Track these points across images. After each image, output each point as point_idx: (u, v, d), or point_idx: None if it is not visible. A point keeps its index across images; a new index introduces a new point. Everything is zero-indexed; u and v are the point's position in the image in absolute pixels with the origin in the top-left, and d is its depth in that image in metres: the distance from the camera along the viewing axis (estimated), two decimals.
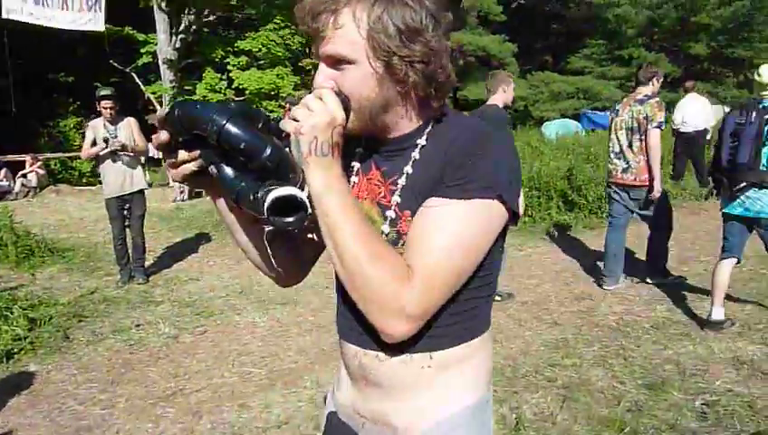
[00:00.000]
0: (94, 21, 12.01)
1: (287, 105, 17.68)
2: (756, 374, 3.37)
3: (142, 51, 13.57)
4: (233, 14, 14.28)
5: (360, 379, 1.11)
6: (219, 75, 13.23)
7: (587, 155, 10.20)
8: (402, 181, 1.03)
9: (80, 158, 12.24)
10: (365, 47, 0.94)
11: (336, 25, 0.94)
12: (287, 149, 0.95)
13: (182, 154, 0.96)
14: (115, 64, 13.34)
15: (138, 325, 4.43)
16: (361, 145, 1.11)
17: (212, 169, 0.93)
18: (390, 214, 1.03)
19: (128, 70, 13.78)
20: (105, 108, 5.20)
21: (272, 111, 13.06)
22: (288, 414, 3.13)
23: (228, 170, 0.93)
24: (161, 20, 13.17)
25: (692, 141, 9.08)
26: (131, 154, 5.32)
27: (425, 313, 0.95)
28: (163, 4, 12.92)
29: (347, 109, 0.96)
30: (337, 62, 0.97)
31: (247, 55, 13.62)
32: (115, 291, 5.30)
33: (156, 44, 13.39)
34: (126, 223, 5.52)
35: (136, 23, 13.44)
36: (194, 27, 13.59)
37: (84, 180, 12.97)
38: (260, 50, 13.31)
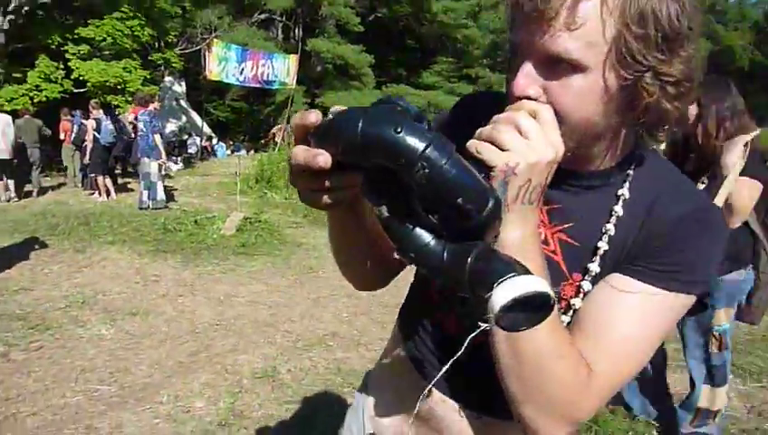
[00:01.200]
0: None
1: (279, 131, 16.27)
2: None
3: None
4: None
5: (428, 422, 0.96)
6: (56, 63, 12.01)
7: None
8: (605, 245, 0.80)
9: None
10: (607, 52, 0.68)
11: (573, 14, 0.66)
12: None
13: (337, 180, 0.64)
14: None
15: None
16: None
17: (381, 210, 0.63)
18: (586, 285, 0.81)
19: None
20: None
21: (117, 106, 12.11)
22: (142, 433, 2.91)
23: (404, 215, 0.62)
24: None
25: None
26: None
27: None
28: None
29: None
30: (554, 65, 0.70)
31: (89, 44, 12.52)
32: None
33: None
34: None
35: None
36: (26, 8, 12.25)
37: None
38: (104, 39, 12.30)
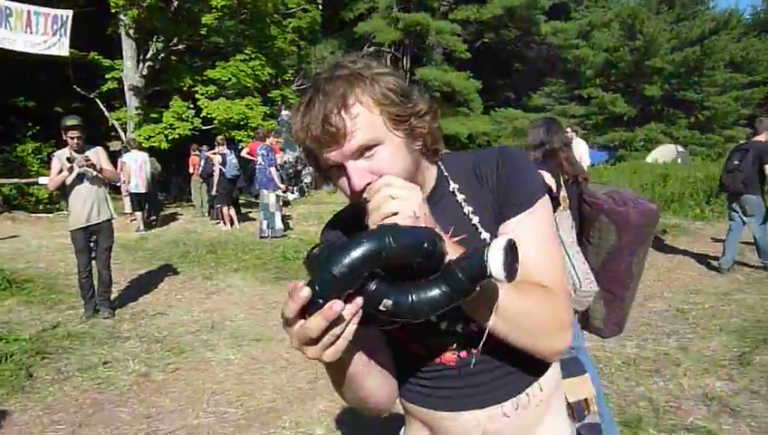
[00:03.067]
0: (59, 45, 11.84)
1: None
2: (725, 410, 3.45)
3: (107, 76, 13.40)
4: (202, 42, 14.27)
5: None
6: (187, 104, 13.12)
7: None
8: (476, 218, 1.07)
9: (37, 184, 11.93)
10: (384, 123, 0.97)
11: (351, 117, 0.95)
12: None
13: (345, 316, 0.80)
14: (78, 90, 13.11)
15: (105, 362, 4.27)
16: None
17: (385, 303, 0.81)
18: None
19: (91, 95, 13.55)
20: (72, 138, 5.07)
21: (240, 141, 12.98)
22: None
23: (397, 295, 0.82)
24: (128, 46, 13.09)
25: None
26: (99, 174, 5.14)
27: (572, 313, 1.09)
28: (131, 32, 12.83)
29: None
30: (365, 151, 0.97)
31: (216, 84, 13.56)
32: (79, 326, 5.10)
33: (122, 70, 13.25)
34: (92, 255, 5.36)
35: (101, 48, 13.28)
36: (162, 55, 13.52)
37: (41, 207, 12.55)
38: (229, 79, 13.27)
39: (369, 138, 0.96)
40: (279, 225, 9.43)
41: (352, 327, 0.81)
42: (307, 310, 0.78)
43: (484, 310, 0.94)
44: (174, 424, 3.41)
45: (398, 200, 0.90)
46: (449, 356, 1.08)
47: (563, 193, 2.96)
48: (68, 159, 5.04)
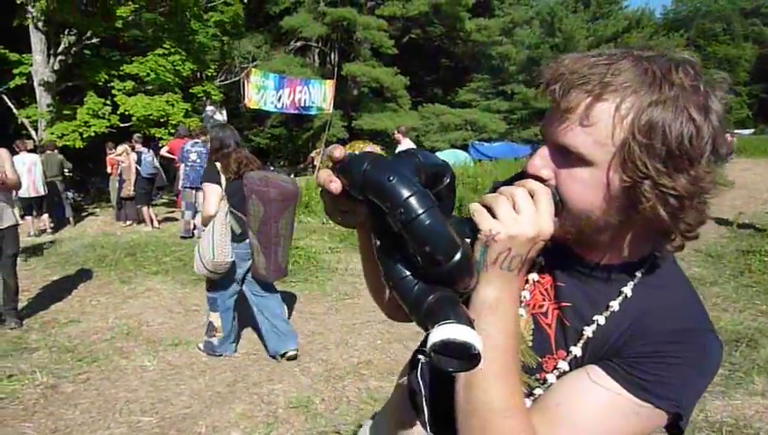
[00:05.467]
0: None
1: (318, 155, 16.85)
2: None
3: (15, 71, 12.62)
4: (119, 36, 13.68)
5: None
6: (103, 100, 12.56)
7: (474, 185, 10.70)
8: (589, 332, 0.84)
9: None
10: (613, 153, 0.73)
11: (588, 113, 0.73)
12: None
13: (347, 204, 0.77)
14: None
15: (10, 376, 4.05)
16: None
17: (376, 242, 0.76)
18: (564, 365, 0.86)
19: None
20: None
21: (160, 139, 12.56)
22: None
23: (392, 249, 0.74)
24: (38, 40, 12.40)
25: None
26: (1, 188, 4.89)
27: None
28: (40, 24, 12.16)
29: (556, 213, 0.79)
30: (567, 153, 0.77)
31: (134, 80, 13.05)
32: None
33: (31, 65, 12.54)
34: None
35: (8, 41, 12.51)
36: (74, 49, 12.88)
37: None
38: (148, 75, 12.80)
39: (579, 148, 0.75)
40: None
41: (351, 217, 0.80)
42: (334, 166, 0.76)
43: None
44: None
45: (509, 211, 0.76)
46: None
47: (224, 185, 3.93)
48: None
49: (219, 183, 3.94)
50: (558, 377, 0.85)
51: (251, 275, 4.18)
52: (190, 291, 6.19)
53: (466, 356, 0.66)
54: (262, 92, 15.00)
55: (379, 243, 0.76)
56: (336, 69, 21.98)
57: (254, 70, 15.00)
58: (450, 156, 16.55)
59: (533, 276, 0.92)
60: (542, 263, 0.91)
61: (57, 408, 3.63)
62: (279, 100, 15.49)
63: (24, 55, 12.66)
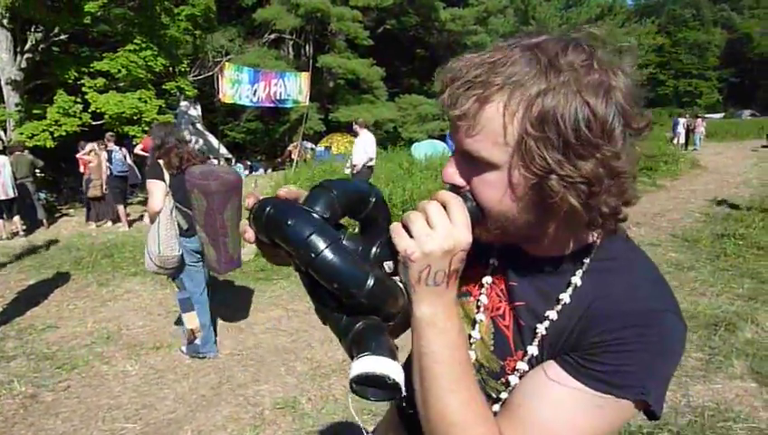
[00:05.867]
0: None
1: (295, 149, 16.47)
2: None
3: None
4: (88, 31, 13.36)
5: None
6: (73, 98, 12.27)
7: None
8: (543, 330, 0.82)
9: None
10: (512, 153, 0.72)
11: (478, 118, 0.72)
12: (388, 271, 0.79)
13: (272, 249, 0.79)
14: None
15: None
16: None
17: (302, 279, 0.78)
18: (523, 366, 0.85)
19: None
20: None
21: (134, 136, 12.33)
22: None
23: (317, 286, 0.75)
24: (4, 38, 12.08)
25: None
26: None
27: None
28: (5, 21, 11.83)
29: (475, 218, 0.77)
30: (473, 159, 0.76)
31: (105, 77, 12.77)
32: None
33: None
34: None
35: None
36: (42, 46, 12.57)
37: None
38: (119, 71, 12.53)
39: (482, 152, 0.74)
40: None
41: (278, 259, 0.82)
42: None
43: (416, 383, 0.81)
44: None
45: (423, 227, 0.74)
46: None
47: (168, 179, 3.99)
48: None
49: (163, 179, 4.02)
50: (520, 377, 0.84)
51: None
52: (170, 292, 6.10)
53: (386, 387, 0.68)
54: (236, 86, 14.77)
55: (306, 280, 0.76)
56: (311, 61, 21.74)
57: (227, 64, 14.76)
58: (428, 146, 16.54)
59: (488, 279, 0.92)
60: (495, 265, 0.91)
61: (38, 418, 3.56)
62: (254, 93, 15.28)
63: None
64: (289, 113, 22.25)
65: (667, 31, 46.16)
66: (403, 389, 0.68)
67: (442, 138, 21.45)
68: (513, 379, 0.85)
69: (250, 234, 0.77)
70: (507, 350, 0.87)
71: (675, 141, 21.37)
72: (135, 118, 12.32)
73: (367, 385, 0.69)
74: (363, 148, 9.58)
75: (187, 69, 15.68)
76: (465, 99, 0.72)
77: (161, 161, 4.06)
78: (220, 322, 5.16)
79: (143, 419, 3.51)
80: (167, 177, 4.04)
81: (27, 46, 12.43)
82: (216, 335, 4.53)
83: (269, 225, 0.72)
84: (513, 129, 0.70)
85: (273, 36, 24.74)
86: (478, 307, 0.91)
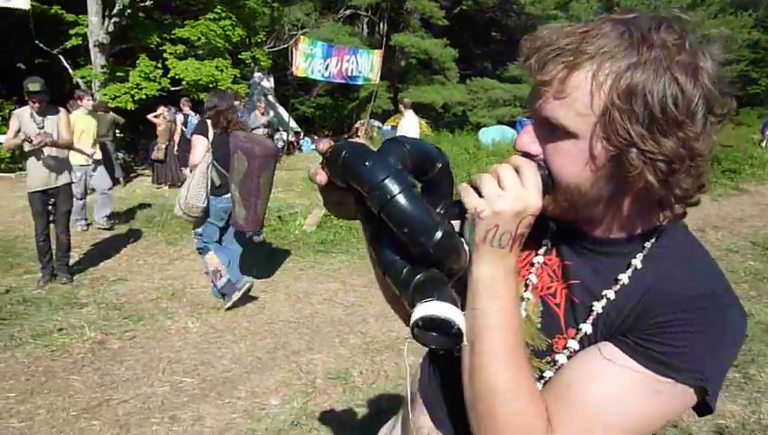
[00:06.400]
0: None
1: (362, 126, 17.04)
2: None
3: (71, 32, 12.88)
4: None
5: None
6: (154, 63, 12.72)
7: None
8: (599, 308, 0.80)
9: None
10: (595, 123, 0.71)
11: (565, 84, 0.71)
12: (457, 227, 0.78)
13: (339, 195, 0.78)
14: (41, 45, 12.60)
15: (60, 329, 4.20)
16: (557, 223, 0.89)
17: (365, 229, 0.78)
18: (573, 344, 0.82)
19: (54, 52, 13.06)
20: (34, 102, 4.90)
21: None
22: (221, 427, 3.06)
23: (382, 234, 0.74)
24: (94, 2, 12.58)
25: None
26: (55, 146, 5.00)
27: None
28: None
29: (546, 188, 0.76)
30: (552, 127, 0.75)
31: (185, 44, 13.15)
32: (36, 291, 5.00)
33: (86, 26, 12.76)
34: (50, 218, 5.22)
35: (65, 2, 12.74)
36: (128, 11, 13.05)
37: (2, 166, 12.16)
38: (199, 39, 12.88)
39: (560, 120, 0.73)
40: None
41: (346, 207, 0.81)
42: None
43: (464, 348, 0.79)
44: (128, 393, 3.38)
45: (494, 188, 0.74)
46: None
47: (212, 138, 4.41)
48: (26, 141, 4.87)
49: (207, 136, 4.42)
50: (568, 357, 0.82)
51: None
52: None
53: (449, 333, 0.68)
54: (309, 60, 14.93)
55: (369, 230, 0.77)
56: (384, 39, 21.66)
57: (302, 37, 14.92)
58: (497, 132, 16.22)
59: (539, 259, 0.90)
60: (548, 245, 0.90)
61: (104, 363, 3.74)
62: (326, 68, 15.41)
63: (79, 16, 12.88)
64: (359, 90, 22.31)
65: (764, 26, 43.25)
66: (465, 338, 0.68)
67: (512, 124, 20.99)
68: (562, 358, 0.82)
69: (322, 176, 0.76)
70: (556, 328, 0.84)
71: (763, 144, 20.09)
72: (211, 85, 12.64)
73: (427, 330, 0.68)
74: (407, 129, 9.54)
75: (263, 40, 15.94)
76: (554, 64, 0.71)
77: (209, 121, 4.44)
78: (278, 289, 5.26)
79: (200, 374, 3.63)
80: (210, 135, 4.42)
81: (115, 10, 12.91)
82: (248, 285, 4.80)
83: (345, 165, 0.71)
84: (600, 98, 0.70)
85: (348, 12, 24.77)
86: (526, 286, 0.89)
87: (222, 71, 12.94)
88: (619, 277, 0.79)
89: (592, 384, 0.75)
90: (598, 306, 0.79)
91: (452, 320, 0.67)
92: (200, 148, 4.42)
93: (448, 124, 22.01)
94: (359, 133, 17.68)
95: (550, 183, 0.77)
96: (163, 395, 3.37)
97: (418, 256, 0.71)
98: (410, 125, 9.59)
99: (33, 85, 4.85)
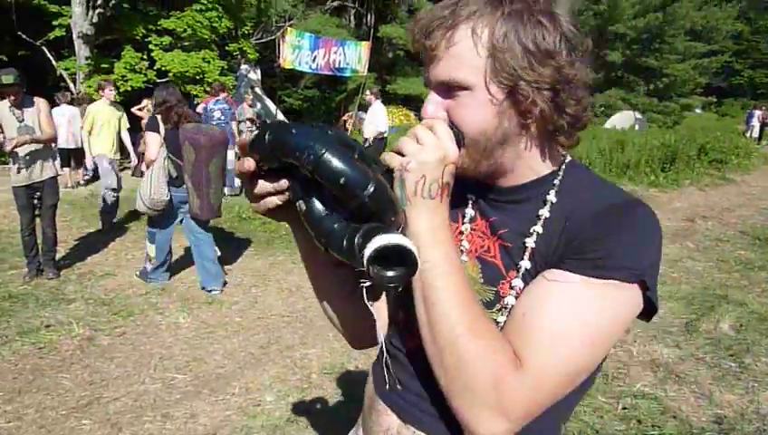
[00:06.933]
0: None
1: (350, 118, 16.97)
2: (671, 376, 3.56)
3: (54, 23, 12.64)
4: None
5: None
6: (140, 54, 12.53)
7: None
8: (531, 243, 0.86)
9: None
10: (484, 69, 0.80)
11: (450, 43, 0.81)
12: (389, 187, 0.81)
13: (266, 185, 0.79)
14: (23, 36, 12.36)
15: (48, 326, 4.10)
16: (474, 190, 0.96)
17: (300, 204, 0.78)
18: (518, 283, 0.87)
19: (38, 43, 12.82)
20: (9, 96, 4.76)
21: (196, 96, 12.52)
22: (215, 424, 3.00)
23: (319, 207, 0.76)
24: None
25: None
26: (35, 142, 4.86)
27: (527, 415, 0.78)
28: None
29: (459, 144, 0.84)
30: (450, 89, 0.84)
31: (171, 35, 12.97)
32: (21, 286, 4.89)
33: (70, 17, 12.53)
34: (36, 212, 5.10)
35: None
36: (113, 1, 12.82)
37: None
38: (185, 31, 12.70)
39: (455, 76, 0.81)
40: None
41: (274, 199, 0.80)
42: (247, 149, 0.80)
43: (419, 300, 0.83)
44: (119, 390, 3.31)
45: (414, 145, 0.82)
46: (411, 339, 0.92)
47: (164, 133, 4.58)
48: (3, 144, 4.77)
49: (159, 132, 4.62)
50: (516, 297, 0.86)
51: (190, 217, 4.75)
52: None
53: (405, 263, 0.69)
54: (297, 52, 14.75)
55: (304, 207, 0.77)
56: (372, 31, 21.54)
57: (289, 29, 14.75)
58: None
59: (467, 227, 0.96)
60: (472, 214, 0.97)
61: (93, 360, 3.66)
62: (314, 60, 15.24)
63: (63, 7, 12.64)
64: (346, 82, 22.19)
65: (748, 17, 43.56)
66: (419, 262, 0.70)
67: None
68: (510, 299, 0.87)
69: (250, 162, 0.77)
70: (498, 275, 0.90)
71: (748, 134, 20.29)
72: (198, 77, 12.49)
73: (383, 266, 0.70)
74: (372, 120, 9.47)
75: (250, 32, 15.76)
76: (438, 30, 0.81)
77: (159, 117, 4.62)
78: (270, 283, 5.19)
79: (193, 371, 3.56)
80: (162, 130, 4.60)
81: (99, 1, 12.69)
82: (169, 267, 5.13)
83: (273, 141, 0.73)
84: (483, 47, 0.79)
85: (335, 4, 24.60)
86: (462, 252, 0.94)
87: (209, 62, 12.78)
88: (540, 213, 0.87)
89: (545, 308, 0.79)
90: (530, 241, 0.86)
91: (405, 244, 0.69)
92: (154, 144, 4.62)
93: None
94: (347, 126, 17.56)
95: (461, 137, 0.84)
96: (155, 392, 3.30)
97: (356, 211, 0.73)
98: (377, 115, 9.54)
99: (7, 78, 4.70)
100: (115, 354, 3.75)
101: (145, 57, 12.63)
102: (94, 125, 7.48)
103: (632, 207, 0.84)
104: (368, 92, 10.01)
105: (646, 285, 0.79)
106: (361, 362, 3.66)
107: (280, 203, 0.81)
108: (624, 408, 3.21)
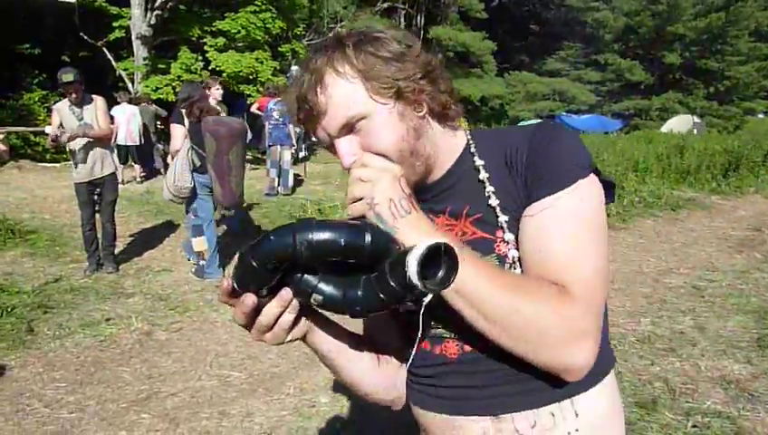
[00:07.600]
0: None
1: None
2: (744, 394, 3.35)
3: (115, 25, 13.07)
4: None
5: None
6: (195, 55, 12.81)
7: None
8: (494, 202, 0.93)
9: (44, 133, 11.74)
10: (366, 92, 0.88)
11: (327, 93, 0.88)
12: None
13: (271, 307, 0.80)
14: (85, 38, 12.80)
15: (108, 319, 4.19)
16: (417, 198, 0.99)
17: (314, 298, 0.78)
18: (509, 236, 0.93)
19: (98, 44, 13.26)
20: (69, 93, 4.90)
21: (249, 96, 12.69)
22: (271, 424, 2.98)
23: (330, 288, 0.78)
24: None
25: None
26: (91, 138, 4.98)
27: (597, 324, 0.86)
28: None
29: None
30: (351, 128, 0.89)
31: (225, 36, 13.22)
32: (83, 280, 5.03)
33: (129, 19, 12.92)
34: (96, 208, 5.25)
35: None
36: (170, 4, 13.15)
37: (48, 157, 12.40)
38: (239, 32, 12.92)
39: (348, 114, 0.88)
40: (292, 182, 9.36)
41: (288, 316, 0.82)
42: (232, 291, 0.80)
43: (460, 303, 0.84)
44: (176, 386, 3.33)
45: (367, 184, 0.86)
46: (451, 346, 0.95)
47: (188, 126, 4.90)
48: (53, 140, 4.96)
49: (183, 124, 4.92)
50: (516, 248, 0.91)
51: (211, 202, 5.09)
52: None
53: (444, 261, 0.70)
54: None
55: (320, 297, 0.78)
56: (422, 32, 21.49)
57: (340, 30, 14.87)
58: None
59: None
60: (431, 217, 0.97)
61: (152, 354, 3.71)
62: None
63: (122, 9, 13.06)
64: None
65: None
66: (457, 249, 0.71)
67: (551, 118, 20.60)
68: (513, 252, 0.91)
69: (250, 298, 0.78)
70: (489, 242, 0.93)
71: None
72: (251, 77, 12.67)
73: (427, 278, 0.69)
74: None
75: (302, 33, 15.92)
76: (309, 92, 0.88)
77: (183, 111, 4.91)
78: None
79: (248, 369, 3.56)
80: (186, 123, 4.90)
81: (157, 3, 13.05)
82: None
83: (256, 254, 0.74)
84: (353, 77, 0.87)
85: (385, 5, 24.62)
86: None
87: (262, 63, 12.96)
88: (481, 177, 0.94)
89: (549, 236, 0.87)
90: (493, 201, 0.92)
91: (441, 242, 0.69)
92: (178, 135, 4.94)
93: (486, 118, 21.72)
94: None
95: (390, 161, 0.88)
96: (211, 389, 3.31)
97: (365, 258, 0.74)
98: None
99: (67, 76, 4.84)
100: (172, 350, 3.79)
101: (200, 58, 12.89)
102: None
103: (543, 125, 0.94)
104: None
105: (597, 170, 0.91)
106: None
107: (294, 314, 0.83)
108: (694, 426, 3.03)
